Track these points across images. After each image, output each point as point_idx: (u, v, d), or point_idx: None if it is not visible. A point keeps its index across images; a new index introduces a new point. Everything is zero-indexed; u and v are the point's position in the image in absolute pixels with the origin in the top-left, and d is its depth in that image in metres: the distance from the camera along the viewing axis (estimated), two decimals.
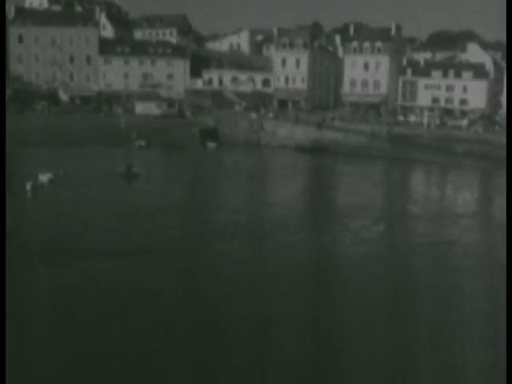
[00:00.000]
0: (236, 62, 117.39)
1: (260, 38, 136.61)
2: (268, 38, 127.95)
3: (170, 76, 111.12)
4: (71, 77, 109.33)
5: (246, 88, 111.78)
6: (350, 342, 24.21)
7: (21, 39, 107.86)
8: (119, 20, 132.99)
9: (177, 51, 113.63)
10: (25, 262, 31.89)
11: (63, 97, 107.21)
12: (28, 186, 48.95)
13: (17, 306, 26.07)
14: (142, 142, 78.36)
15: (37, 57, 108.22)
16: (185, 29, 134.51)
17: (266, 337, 24.19)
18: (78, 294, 27.79)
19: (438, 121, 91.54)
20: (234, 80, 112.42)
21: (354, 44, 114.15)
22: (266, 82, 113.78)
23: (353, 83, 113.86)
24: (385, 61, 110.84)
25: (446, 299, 29.26)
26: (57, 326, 24.48)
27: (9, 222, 38.46)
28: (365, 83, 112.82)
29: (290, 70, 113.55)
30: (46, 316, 25.55)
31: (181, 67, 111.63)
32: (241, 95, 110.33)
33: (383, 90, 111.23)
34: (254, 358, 22.41)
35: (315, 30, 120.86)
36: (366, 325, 25.43)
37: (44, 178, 52.76)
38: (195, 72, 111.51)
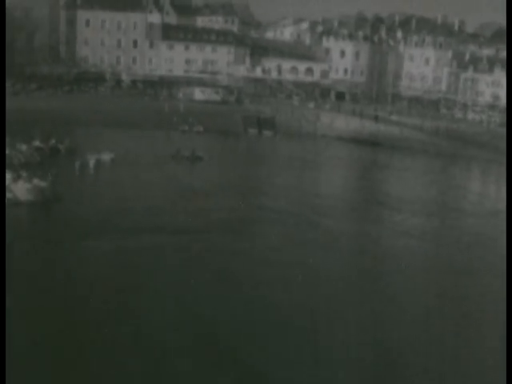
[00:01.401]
0: (295, 52, 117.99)
1: (320, 28, 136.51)
2: (328, 29, 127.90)
3: (229, 63, 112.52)
4: (134, 61, 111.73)
5: (305, 78, 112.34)
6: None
7: (88, 23, 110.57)
8: (182, 7, 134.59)
9: (237, 39, 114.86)
10: (89, 234, 33.46)
11: (126, 80, 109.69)
12: (90, 164, 50.85)
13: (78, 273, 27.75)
14: (200, 128, 79.86)
15: (102, 40, 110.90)
16: (246, 17, 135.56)
17: None
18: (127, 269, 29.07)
19: (498, 119, 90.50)
20: (293, 70, 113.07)
21: (416, 38, 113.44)
22: (324, 73, 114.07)
23: (412, 78, 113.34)
24: (446, 56, 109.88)
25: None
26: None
27: (72, 197, 40.58)
28: (425, 78, 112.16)
29: (349, 62, 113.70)
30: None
31: (241, 55, 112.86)
32: (299, 85, 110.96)
33: (443, 85, 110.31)
34: None
35: (376, 23, 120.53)
36: None
37: (106, 156, 54.55)
38: (255, 60, 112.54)
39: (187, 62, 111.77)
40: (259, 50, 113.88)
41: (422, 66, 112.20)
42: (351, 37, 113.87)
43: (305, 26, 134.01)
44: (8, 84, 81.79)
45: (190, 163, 58.47)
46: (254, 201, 44.96)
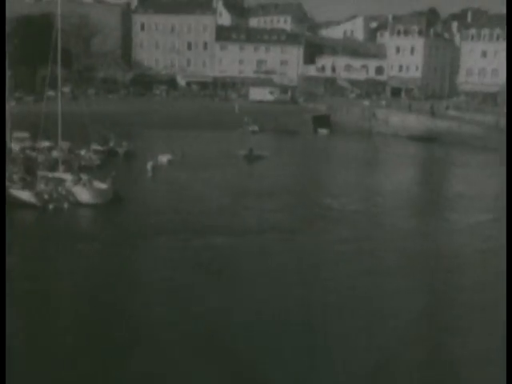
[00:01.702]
0: (349, 49, 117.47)
1: (374, 24, 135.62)
2: (382, 25, 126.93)
3: (283, 63, 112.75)
4: (189, 63, 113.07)
5: (359, 75, 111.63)
6: None
7: (143, 27, 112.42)
8: (235, 8, 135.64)
9: (291, 38, 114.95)
10: (147, 234, 34.03)
11: (181, 82, 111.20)
12: (148, 166, 51.58)
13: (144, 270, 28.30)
14: (256, 127, 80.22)
15: (157, 43, 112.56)
16: (299, 16, 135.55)
17: None
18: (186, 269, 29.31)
19: None
20: (347, 67, 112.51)
21: (472, 31, 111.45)
22: (379, 70, 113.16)
23: (469, 71, 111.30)
24: (504, 48, 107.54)
25: None
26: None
27: (130, 198, 41.34)
28: (482, 72, 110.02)
29: (405, 57, 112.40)
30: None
31: (294, 54, 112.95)
32: (354, 82, 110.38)
33: (501, 79, 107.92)
34: None
35: (431, 17, 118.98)
36: None
37: (163, 158, 55.35)
38: (309, 59, 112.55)
39: (241, 62, 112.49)
40: (313, 49, 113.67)
41: (479, 59, 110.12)
42: (406, 32, 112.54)
43: (359, 22, 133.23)
44: (67, 89, 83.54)
45: (249, 162, 58.93)
46: (318, 199, 44.87)
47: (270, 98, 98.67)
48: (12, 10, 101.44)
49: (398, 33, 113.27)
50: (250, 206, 41.67)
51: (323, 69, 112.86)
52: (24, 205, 38.22)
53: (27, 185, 40.65)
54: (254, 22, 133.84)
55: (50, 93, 62.95)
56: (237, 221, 37.74)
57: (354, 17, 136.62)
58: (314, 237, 35.33)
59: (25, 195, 39.11)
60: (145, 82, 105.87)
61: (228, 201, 42.79)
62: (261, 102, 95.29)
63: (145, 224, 35.86)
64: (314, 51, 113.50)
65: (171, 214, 38.42)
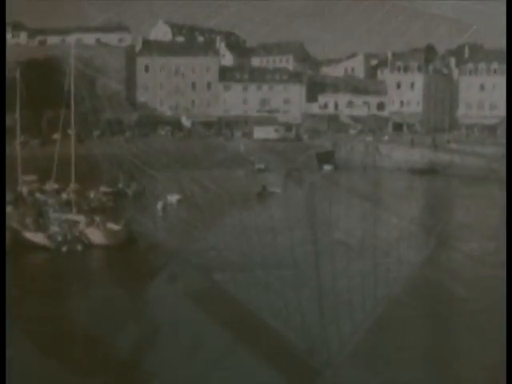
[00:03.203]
0: (351, 86, 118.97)
1: (374, 62, 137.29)
2: (382, 62, 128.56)
3: (286, 101, 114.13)
4: (193, 103, 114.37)
5: (361, 112, 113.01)
6: None
7: (147, 69, 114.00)
8: (238, 48, 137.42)
9: (293, 77, 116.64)
10: (160, 275, 34.28)
11: (185, 122, 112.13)
12: (159, 206, 52.43)
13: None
14: (261, 165, 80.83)
15: (161, 85, 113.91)
16: (301, 55, 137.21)
17: None
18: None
19: None
20: (349, 104, 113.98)
21: (470, 66, 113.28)
22: (380, 106, 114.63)
23: (468, 105, 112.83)
24: (501, 82, 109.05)
25: None
26: None
27: (143, 240, 41.86)
28: (481, 105, 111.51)
29: (405, 93, 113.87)
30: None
31: (297, 92, 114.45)
32: (356, 119, 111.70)
33: (500, 111, 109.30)
34: None
35: (429, 53, 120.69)
36: None
37: (172, 198, 56.16)
38: (311, 97, 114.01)
39: (245, 101, 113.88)
40: (315, 86, 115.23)
41: (477, 93, 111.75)
42: (405, 68, 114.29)
43: (359, 60, 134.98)
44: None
45: (261, 199, 59.60)
46: (328, 235, 45.32)
47: (274, 136, 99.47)
48: (16, 54, 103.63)
49: (398, 69, 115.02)
50: (264, 242, 41.85)
51: (326, 106, 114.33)
52: (37, 247, 38.87)
53: (40, 227, 41.38)
54: (256, 62, 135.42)
55: (55, 136, 64.18)
56: (246, 257, 38.00)
57: (354, 54, 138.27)
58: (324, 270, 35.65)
59: (38, 238, 39.78)
60: (150, 123, 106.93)
61: (241, 238, 42.91)
62: (265, 140, 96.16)
63: (158, 265, 36.24)
64: (316, 89, 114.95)
65: (184, 253, 38.85)
